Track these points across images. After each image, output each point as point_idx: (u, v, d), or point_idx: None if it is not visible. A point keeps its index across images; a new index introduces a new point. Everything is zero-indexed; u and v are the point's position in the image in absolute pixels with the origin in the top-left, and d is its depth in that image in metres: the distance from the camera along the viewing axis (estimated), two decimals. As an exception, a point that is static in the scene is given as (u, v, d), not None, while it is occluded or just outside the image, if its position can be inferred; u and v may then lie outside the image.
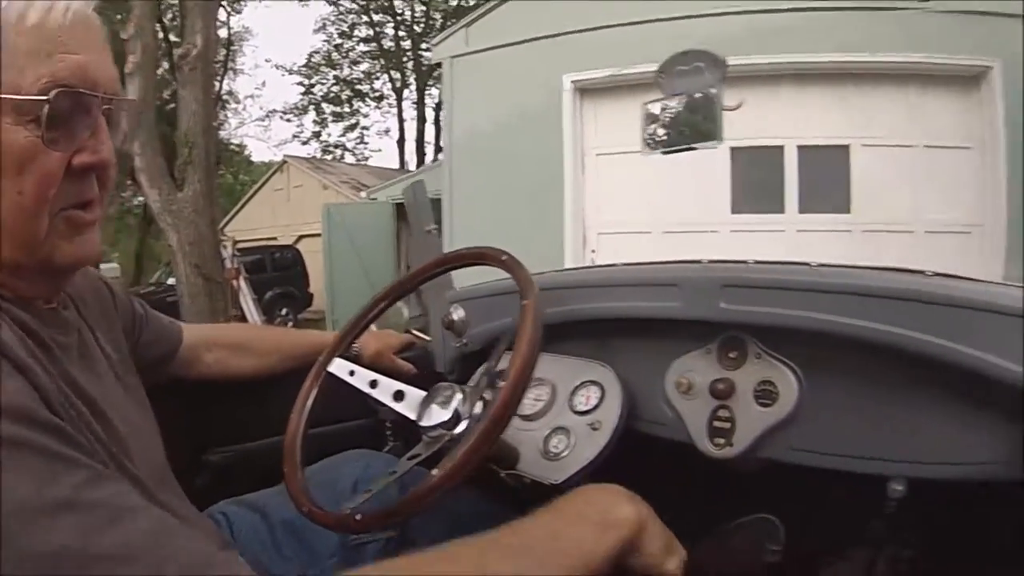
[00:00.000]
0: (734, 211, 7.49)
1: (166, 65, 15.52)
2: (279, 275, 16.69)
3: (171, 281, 8.80)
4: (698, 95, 1.36)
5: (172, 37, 16.83)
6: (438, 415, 1.15)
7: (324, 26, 30.21)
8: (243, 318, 10.47)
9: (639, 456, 1.34)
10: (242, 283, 11.02)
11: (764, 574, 1.14)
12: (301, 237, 20.37)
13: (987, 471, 1.09)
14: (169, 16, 17.53)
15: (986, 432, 1.08)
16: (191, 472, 1.42)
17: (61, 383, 0.80)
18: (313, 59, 30.48)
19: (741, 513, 1.18)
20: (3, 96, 0.80)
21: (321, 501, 1.15)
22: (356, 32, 30.24)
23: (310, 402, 1.32)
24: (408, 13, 29.49)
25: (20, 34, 0.81)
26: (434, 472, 0.97)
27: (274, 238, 20.95)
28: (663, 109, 1.41)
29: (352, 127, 31.88)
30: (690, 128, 1.39)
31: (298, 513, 1.17)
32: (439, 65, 9.54)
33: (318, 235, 15.68)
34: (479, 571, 0.79)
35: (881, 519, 1.15)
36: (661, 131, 1.42)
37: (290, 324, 14.98)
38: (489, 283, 1.62)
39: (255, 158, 34.77)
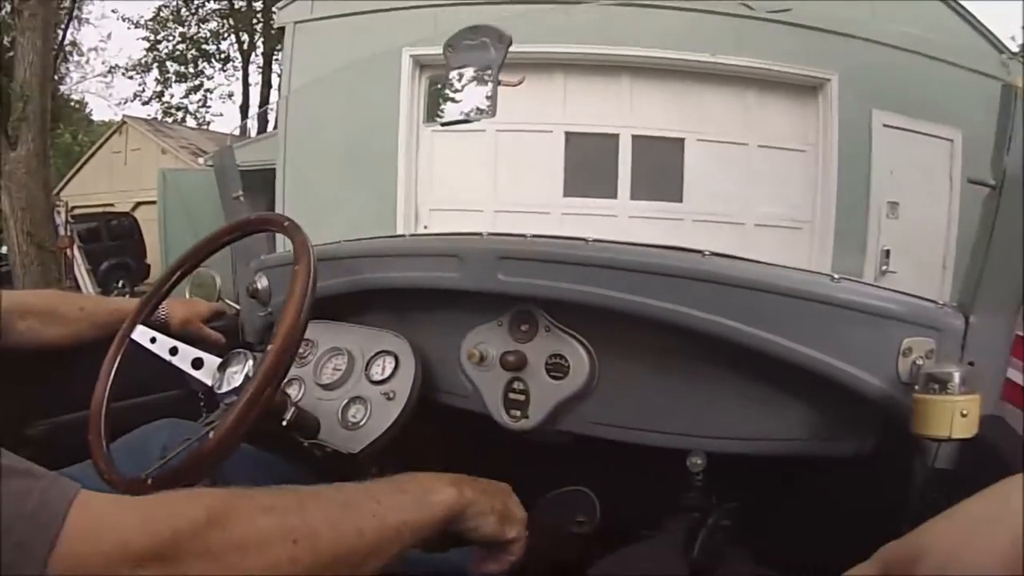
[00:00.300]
0: (567, 194, 7.61)
1: (7, 8, 14.40)
2: (115, 244, 15.86)
3: (3, 250, 8.24)
4: (481, 70, 1.38)
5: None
6: (232, 381, 1.16)
7: (176, -23, 28.55)
8: (78, 290, 9.93)
9: (448, 427, 1.39)
10: (76, 252, 10.44)
11: (573, 546, 1.19)
12: (139, 204, 19.38)
13: (783, 447, 1.16)
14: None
15: (779, 410, 1.15)
16: (12, 447, 1.38)
17: None
18: (161, 13, 28.87)
19: (555, 485, 1.22)
20: None
21: (128, 469, 1.14)
22: (208, -12, 28.83)
23: (114, 370, 1.31)
24: (264, -28, 28.33)
25: None
26: (210, 435, 0.99)
27: (111, 204, 19.85)
28: (448, 83, 1.43)
29: (196, 88, 30.32)
30: (467, 101, 1.41)
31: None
32: (276, 30, 9.26)
33: (156, 202, 15.02)
34: (297, 509, 0.80)
35: (694, 490, 1.20)
36: (443, 104, 1.44)
37: (127, 296, 14.32)
38: (288, 252, 1.63)
39: (96, 116, 32.69)
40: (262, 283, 1.51)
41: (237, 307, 1.78)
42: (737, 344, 1.10)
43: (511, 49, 1.33)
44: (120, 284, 15.19)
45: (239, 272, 1.76)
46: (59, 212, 9.82)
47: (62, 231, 9.83)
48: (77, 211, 12.97)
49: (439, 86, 1.43)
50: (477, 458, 1.06)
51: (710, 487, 1.21)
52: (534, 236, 1.38)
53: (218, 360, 1.22)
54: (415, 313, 1.49)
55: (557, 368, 1.29)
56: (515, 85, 1.38)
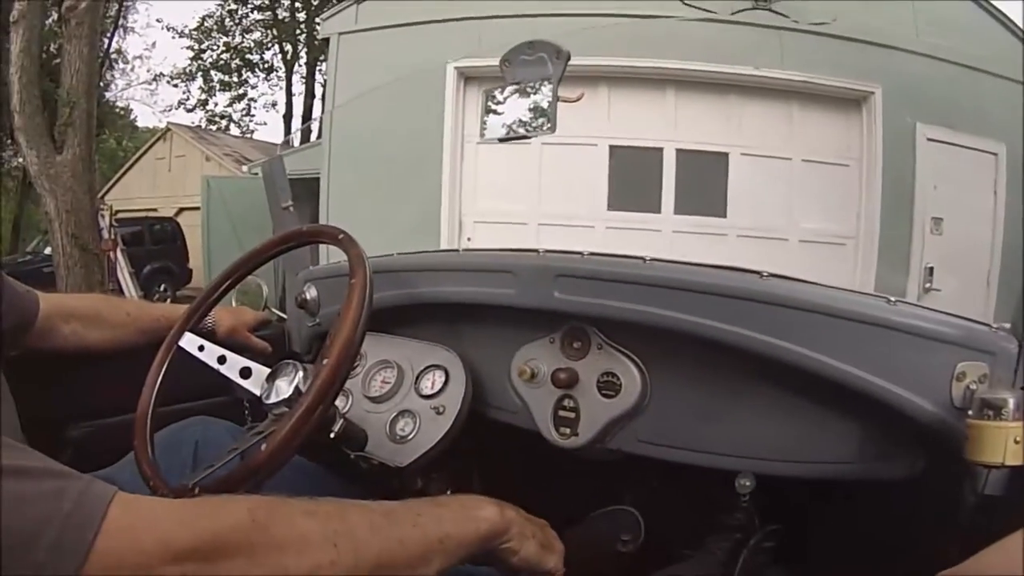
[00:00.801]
0: (611, 208, 7.58)
1: (55, 16, 14.74)
2: (158, 249, 16.06)
3: (48, 251, 8.38)
4: (537, 85, 1.38)
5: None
6: (281, 392, 1.15)
7: (221, -12, 29.00)
8: (120, 293, 10.07)
9: (492, 443, 1.37)
10: (119, 255, 10.57)
11: (618, 564, 1.18)
12: (182, 210, 19.59)
13: (833, 470, 1.14)
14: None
15: (831, 432, 1.13)
16: (53, 448, 1.39)
17: None
18: (206, 23, 29.34)
19: (598, 503, 1.21)
20: None
21: (162, 469, 1.14)
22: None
23: (161, 376, 1.31)
24: (306, -16, 28.67)
25: None
26: (263, 447, 0.98)
27: (154, 209, 20.13)
28: (504, 97, 1.42)
29: (239, 98, 30.76)
30: (526, 117, 1.41)
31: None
32: (321, 41, 9.34)
33: (199, 208, 15.18)
34: (339, 515, 0.81)
35: (739, 510, 1.19)
36: (499, 119, 1.44)
37: (168, 300, 14.50)
38: (342, 262, 1.63)
39: (140, 123, 33.19)
40: (311, 294, 1.51)
41: (283, 316, 1.78)
42: (791, 365, 1.08)
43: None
44: (162, 288, 15.37)
45: (287, 282, 1.76)
46: (103, 216, 9.93)
47: (106, 234, 9.95)
48: (120, 215, 13.13)
49: (495, 100, 1.42)
50: (520, 474, 1.04)
51: (754, 508, 1.19)
52: (591, 254, 1.37)
53: (266, 370, 1.22)
54: (465, 327, 1.48)
55: (609, 386, 1.27)
56: (574, 101, 1.37)
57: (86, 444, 1.52)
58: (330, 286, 1.57)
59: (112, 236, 10.32)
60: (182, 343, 1.35)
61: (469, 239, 7.75)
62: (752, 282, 1.16)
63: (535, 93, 1.37)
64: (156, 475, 1.13)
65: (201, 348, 1.33)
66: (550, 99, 1.35)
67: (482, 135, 1.46)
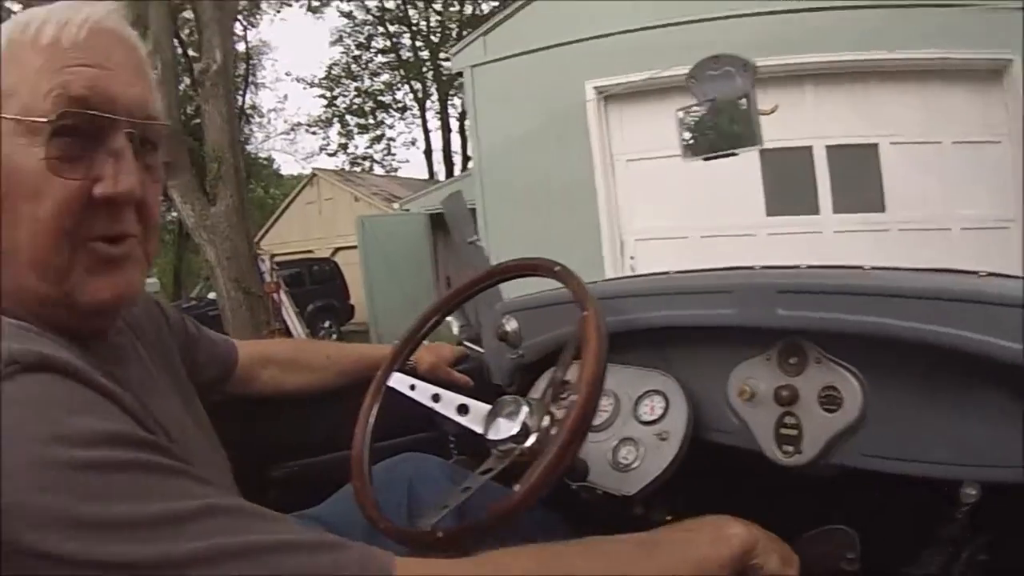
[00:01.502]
0: (769, 213, 7.43)
1: (187, 80, 15.72)
2: (318, 288, 16.78)
3: (212, 296, 8.90)
4: (731, 99, 1.36)
5: (191, 52, 16.96)
6: (506, 428, 1.14)
7: (340, 38, 30.46)
8: (287, 332, 10.54)
9: (704, 466, 1.33)
10: (283, 297, 11.08)
11: None
12: (337, 249, 20.48)
13: None
14: (187, 32, 17.62)
15: None
16: (259, 490, 1.43)
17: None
18: (333, 71, 30.73)
19: (811, 523, 1.16)
20: (16, 117, 0.78)
21: (385, 512, 1.16)
22: (373, 43, 30.49)
23: (372, 417, 1.33)
24: (423, 23, 29.60)
25: (37, 52, 0.79)
26: (516, 488, 0.97)
27: (310, 251, 21.08)
28: (697, 115, 1.41)
29: (378, 138, 32.06)
30: (727, 133, 1.38)
31: (360, 522, 1.17)
32: (459, 74, 9.52)
33: (354, 247, 15.73)
34: (606, 555, 0.81)
35: (954, 523, 1.13)
36: (698, 137, 1.42)
37: (334, 337, 15.08)
38: (540, 293, 1.62)
39: (284, 171, 35.16)
40: (511, 326, 1.51)
41: (479, 349, 1.79)
42: (1015, 366, 1.02)
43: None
44: (327, 324, 16.04)
45: (482, 315, 1.76)
46: (263, 260, 10.45)
47: (267, 277, 10.47)
48: (278, 259, 13.79)
49: (688, 118, 1.40)
50: (730, 496, 1.01)
51: (970, 519, 1.12)
52: (808, 267, 1.33)
53: (485, 407, 1.21)
54: (676, 351, 1.45)
55: (830, 400, 1.22)
56: (769, 113, 1.33)
57: (290, 484, 1.56)
58: (530, 318, 1.57)
59: (274, 279, 10.84)
60: (392, 383, 1.37)
61: (632, 258, 7.72)
62: (971, 283, 1.13)
63: (731, 108, 1.34)
64: (383, 518, 1.14)
65: (412, 387, 1.35)
66: (748, 113, 1.31)
67: (685, 154, 1.44)
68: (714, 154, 1.41)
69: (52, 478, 0.60)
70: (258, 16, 26.20)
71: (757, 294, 1.28)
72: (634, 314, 1.43)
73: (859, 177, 7.15)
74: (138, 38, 0.89)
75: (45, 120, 0.77)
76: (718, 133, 1.39)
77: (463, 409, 1.25)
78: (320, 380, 1.58)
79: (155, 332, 1.14)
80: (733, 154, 1.38)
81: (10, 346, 0.67)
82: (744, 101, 1.33)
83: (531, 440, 1.12)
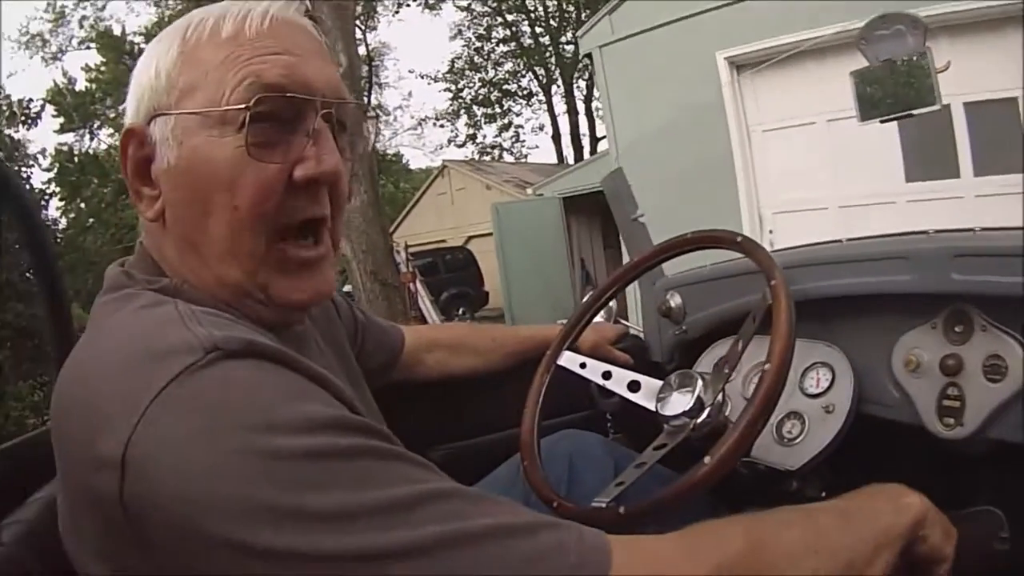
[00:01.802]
0: (909, 179, 7.02)
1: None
2: (453, 276, 17.14)
3: (347, 288, 9.16)
4: (903, 59, 1.32)
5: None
6: (679, 403, 1.13)
7: (460, 32, 30.66)
8: (423, 320, 10.77)
9: (856, 442, 1.31)
10: (419, 286, 11.34)
11: (994, 563, 1.10)
12: (470, 238, 20.86)
13: None
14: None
15: None
16: None
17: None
18: (456, 65, 31.04)
19: (958, 502, 1.12)
20: (202, 111, 0.78)
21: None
22: (493, 34, 30.57)
23: (542, 396, 1.35)
24: (541, 9, 29.50)
25: (217, 47, 0.80)
26: (706, 460, 0.96)
27: (443, 241, 21.48)
28: (871, 76, 1.37)
29: (506, 127, 32.25)
30: (903, 93, 1.34)
31: (519, 500, 1.16)
32: (584, 57, 9.44)
33: (487, 235, 15.89)
34: (809, 521, 0.80)
35: None
36: (873, 99, 1.38)
37: (470, 322, 15.34)
38: (702, 268, 1.61)
39: (413, 166, 35.96)
40: (675, 301, 1.51)
41: (630, 325, 1.79)
42: None
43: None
44: (460, 311, 16.32)
45: (643, 292, 1.76)
46: (398, 252, 10.71)
47: (403, 268, 10.73)
48: (413, 249, 14.09)
49: (863, 82, 1.37)
50: (881, 473, 0.98)
51: None
52: (983, 229, 1.28)
53: (657, 383, 1.21)
54: (839, 320, 1.42)
55: (995, 370, 1.17)
56: (943, 70, 1.28)
57: (448, 466, 1.57)
58: (694, 293, 1.56)
59: (410, 269, 11.10)
60: (562, 362, 1.38)
61: (771, 232, 7.53)
62: None
63: (907, 68, 1.30)
64: (557, 496, 1.15)
65: (583, 365, 1.36)
66: (924, 71, 1.27)
67: (861, 119, 1.40)
68: (891, 116, 1.37)
69: (264, 468, 0.59)
70: (376, 19, 26.83)
71: (933, 259, 1.24)
72: (808, 284, 1.41)
73: (999, 136, 6.68)
74: (315, 27, 0.89)
75: (243, 107, 0.77)
76: (894, 94, 1.34)
77: (634, 386, 1.25)
78: (486, 363, 1.60)
79: (326, 320, 1.16)
80: (910, 115, 1.34)
81: (211, 332, 0.67)
82: (917, 59, 1.28)
83: (704, 415, 1.12)
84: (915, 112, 1.33)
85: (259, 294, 0.82)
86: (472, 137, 32.19)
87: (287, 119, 0.80)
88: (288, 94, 0.79)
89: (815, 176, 7.28)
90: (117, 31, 24.61)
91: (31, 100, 20.27)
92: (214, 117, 0.78)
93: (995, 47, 6.54)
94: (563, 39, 28.55)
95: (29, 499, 0.84)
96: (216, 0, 0.84)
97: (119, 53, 23.79)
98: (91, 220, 21.06)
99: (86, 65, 26.32)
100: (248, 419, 0.61)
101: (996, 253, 1.18)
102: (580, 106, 30.05)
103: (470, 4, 29.32)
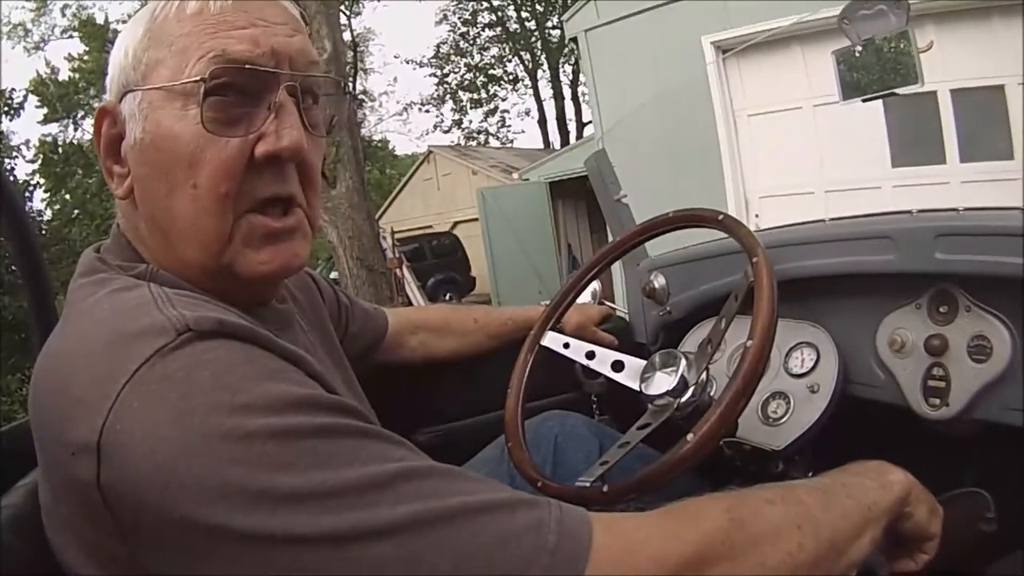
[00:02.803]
0: (895, 164, 7.02)
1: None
2: (439, 261, 17.12)
3: (333, 275, 9.14)
4: (886, 39, 1.32)
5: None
6: (663, 383, 1.13)
7: (445, 16, 30.45)
8: (410, 305, 10.76)
9: (842, 422, 1.31)
10: (405, 271, 11.34)
11: (981, 544, 1.10)
12: (457, 223, 20.79)
13: None
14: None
15: None
16: None
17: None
18: (442, 50, 30.93)
19: (945, 482, 1.13)
20: (165, 85, 0.77)
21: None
22: (479, 18, 30.43)
23: (526, 376, 1.34)
24: (527, -7, 29.44)
25: (182, 22, 0.78)
26: (688, 438, 0.95)
27: (429, 226, 21.43)
28: (853, 56, 1.37)
29: (492, 112, 32.20)
30: (886, 73, 1.34)
31: (504, 482, 1.19)
32: (570, 41, 9.40)
33: (473, 220, 15.90)
34: (792, 498, 0.79)
35: None
36: (856, 79, 1.38)
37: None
38: (687, 248, 1.61)
39: (398, 151, 35.86)
40: (659, 282, 1.50)
41: (621, 309, 1.79)
42: None
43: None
44: (447, 297, 16.23)
45: (627, 273, 1.76)
46: (384, 238, 10.69)
47: (389, 254, 10.72)
48: (399, 235, 14.07)
49: (845, 61, 1.37)
50: (868, 453, 0.98)
51: None
52: (966, 209, 1.30)
53: (640, 362, 1.20)
54: (822, 300, 1.42)
55: (979, 350, 1.18)
56: (926, 50, 1.28)
57: (433, 449, 1.56)
58: (677, 273, 1.56)
59: (396, 255, 11.09)
60: (545, 342, 1.38)
61: (757, 216, 7.54)
62: None
63: (889, 48, 1.30)
64: (541, 476, 1.15)
65: (566, 345, 1.35)
66: (907, 51, 1.27)
67: (843, 98, 1.40)
68: (873, 95, 1.37)
69: (235, 449, 0.59)
70: (360, 4, 26.70)
71: (916, 238, 1.25)
72: (791, 263, 1.41)
73: (986, 122, 6.71)
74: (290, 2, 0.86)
75: (199, 79, 0.75)
76: (876, 73, 1.34)
77: (618, 365, 1.24)
78: (469, 344, 1.60)
79: (309, 302, 1.16)
80: (894, 94, 1.34)
81: (183, 313, 0.66)
82: (900, 38, 1.28)
83: (688, 394, 1.12)
84: (897, 91, 1.33)
85: (225, 273, 0.81)
86: (458, 122, 32.18)
87: (249, 92, 0.78)
88: (248, 66, 0.77)
89: (801, 161, 7.29)
90: (100, 19, 24.47)
91: (13, 90, 20.06)
92: (176, 91, 0.77)
93: (982, 35, 6.56)
94: (549, 23, 28.47)
95: (16, 485, 0.84)
96: None
97: (102, 42, 23.52)
98: (76, 211, 21.00)
99: (69, 54, 26.18)
100: (219, 400, 0.61)
101: (980, 232, 1.18)
102: (566, 91, 30.06)
103: (455, -11, 29.20)
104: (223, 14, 0.78)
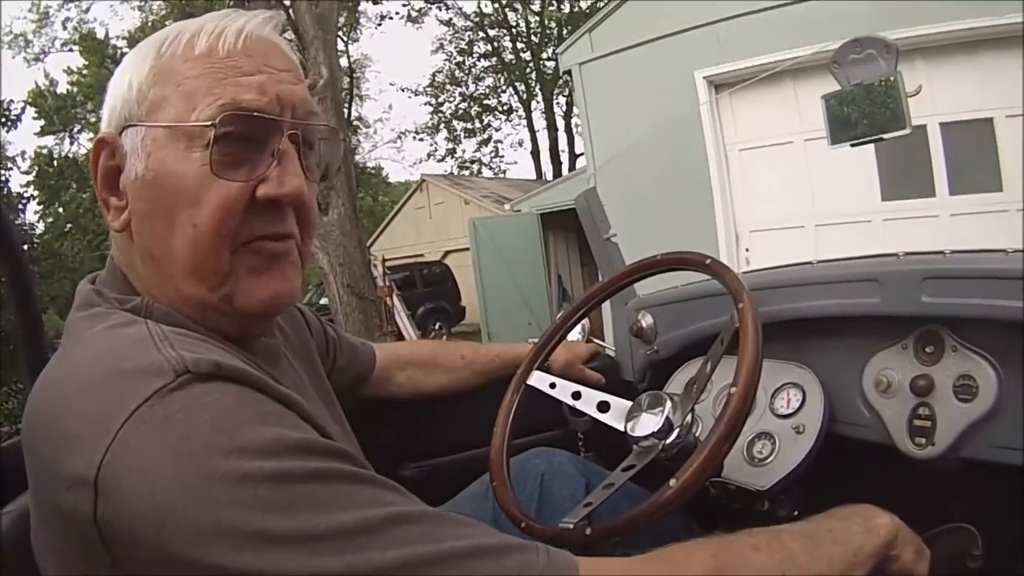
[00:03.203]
0: (885, 198, 7.07)
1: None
2: (430, 290, 17.10)
3: (323, 301, 9.10)
4: (875, 83, 1.33)
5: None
6: (649, 424, 1.13)
7: (442, 46, 30.49)
8: (399, 335, 10.73)
9: (828, 462, 1.32)
10: (395, 300, 11.31)
11: None
12: (448, 252, 20.79)
13: None
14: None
15: None
16: None
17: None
18: (437, 79, 31.00)
19: (932, 519, 1.13)
20: (171, 124, 0.79)
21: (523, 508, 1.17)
22: (475, 48, 30.53)
23: (512, 415, 1.34)
24: (523, 24, 29.59)
25: (190, 62, 0.80)
26: (671, 482, 0.96)
27: (420, 255, 21.41)
28: (843, 100, 1.38)
29: (485, 142, 32.22)
30: (874, 117, 1.35)
31: (489, 520, 1.18)
32: (564, 74, 9.46)
33: (464, 250, 15.86)
34: (777, 544, 0.80)
35: None
36: (844, 123, 1.39)
37: (444, 338, 15.29)
38: (675, 289, 1.61)
39: (392, 179, 35.91)
40: (646, 321, 1.51)
41: (604, 344, 1.79)
42: None
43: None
44: (437, 326, 16.18)
45: (614, 312, 1.76)
46: (375, 265, 10.69)
47: (380, 282, 10.70)
48: (390, 263, 14.08)
49: (836, 105, 1.38)
50: (855, 492, 0.99)
51: None
52: (952, 252, 1.30)
53: (626, 403, 1.20)
54: (809, 341, 1.43)
55: (965, 390, 1.19)
56: (913, 95, 1.30)
57: (419, 484, 1.57)
58: (665, 312, 1.56)
59: (387, 283, 11.06)
60: (531, 381, 1.38)
61: (747, 250, 7.57)
62: None
63: (878, 92, 1.32)
64: (526, 516, 1.15)
65: (552, 385, 1.35)
66: (895, 96, 1.29)
67: (832, 143, 1.41)
68: (861, 140, 1.38)
69: (230, 491, 0.60)
70: (358, 30, 26.81)
71: (902, 281, 1.26)
72: (778, 305, 1.41)
73: (975, 155, 6.75)
74: (289, 45, 0.89)
75: (209, 124, 0.77)
76: (865, 118, 1.36)
77: (604, 406, 1.25)
78: (456, 380, 1.60)
79: (297, 335, 1.16)
80: (881, 139, 1.35)
81: (181, 354, 0.68)
82: (888, 83, 1.30)
83: (673, 435, 1.12)
84: (885, 136, 1.34)
85: (223, 306, 0.82)
86: (451, 151, 32.18)
87: (253, 138, 0.80)
88: (255, 114, 0.79)
89: (792, 195, 7.32)
90: (100, 34, 24.50)
91: (12, 101, 20.10)
92: (182, 132, 0.79)
93: (970, 69, 6.62)
94: (544, 55, 28.64)
95: (4, 511, 0.83)
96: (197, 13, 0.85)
97: (101, 56, 23.64)
98: (69, 225, 20.94)
99: (68, 68, 26.21)
100: (216, 442, 0.62)
101: (965, 275, 1.19)
102: (560, 122, 30.18)
103: (452, 18, 29.39)
104: (231, 58, 0.80)
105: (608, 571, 0.72)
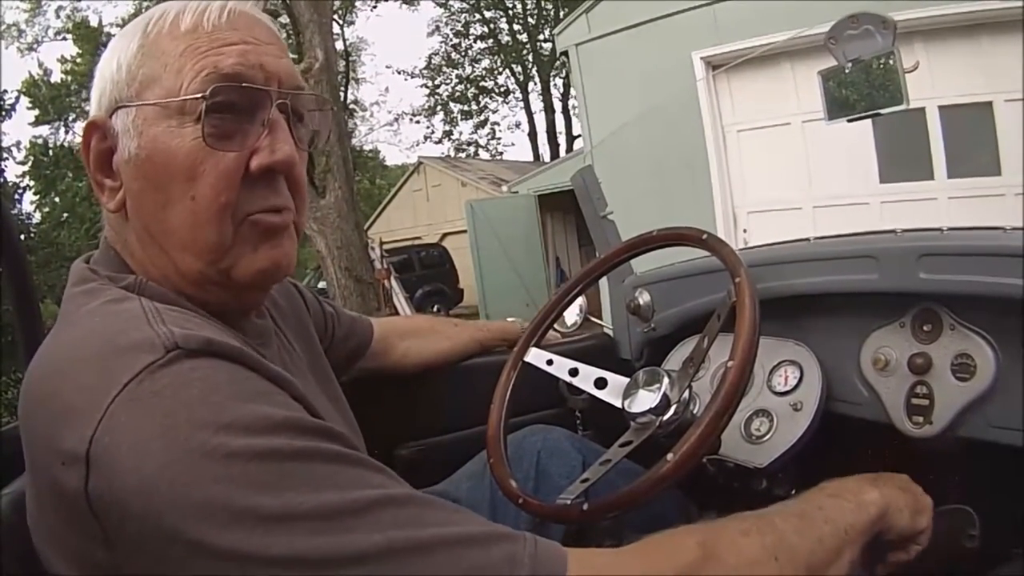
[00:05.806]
0: (883, 180, 7.07)
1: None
2: (427, 273, 17.13)
3: (321, 285, 9.09)
4: (872, 59, 1.32)
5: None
6: (645, 401, 1.13)
7: (438, 28, 30.60)
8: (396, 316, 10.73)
9: (826, 440, 1.32)
10: (393, 282, 11.31)
11: (965, 560, 1.10)
12: (445, 235, 20.81)
13: None
14: (284, 35, 18.17)
15: None
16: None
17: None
18: (433, 61, 30.99)
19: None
20: (161, 101, 0.80)
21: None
22: (471, 30, 30.56)
23: (509, 393, 1.34)
24: (519, 6, 29.51)
25: (176, 39, 0.81)
26: (668, 457, 0.96)
27: (418, 237, 21.41)
28: (839, 76, 1.38)
29: (482, 124, 32.21)
30: (871, 93, 1.35)
31: (486, 498, 1.21)
32: (561, 55, 9.42)
33: (462, 232, 15.87)
34: (768, 527, 0.80)
35: None
36: (841, 99, 1.39)
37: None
38: (672, 266, 1.61)
39: (389, 162, 35.78)
40: (644, 299, 1.51)
41: (601, 322, 1.78)
42: None
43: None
44: (436, 308, 16.20)
45: (612, 290, 1.76)
46: (373, 248, 10.68)
47: (378, 264, 10.69)
48: (387, 246, 14.06)
49: (832, 81, 1.38)
50: (852, 471, 0.99)
51: None
52: (950, 229, 1.29)
53: (624, 380, 1.21)
54: (807, 319, 1.43)
55: (963, 368, 1.19)
56: (912, 70, 1.29)
57: (416, 463, 1.58)
58: (663, 290, 1.56)
59: (384, 266, 11.05)
60: (529, 358, 1.37)
61: (745, 231, 7.56)
62: None
63: (875, 68, 1.32)
64: (522, 493, 1.15)
65: (550, 362, 1.35)
66: (892, 72, 1.28)
67: (829, 118, 1.41)
68: (858, 115, 1.38)
69: (217, 467, 0.60)
70: (353, 13, 26.71)
71: (899, 258, 1.25)
72: (776, 282, 1.41)
73: (973, 138, 6.74)
74: (273, 22, 0.90)
75: (200, 96, 0.78)
76: (861, 94, 1.35)
77: (601, 383, 1.25)
78: (457, 345, 1.61)
79: (292, 311, 1.17)
80: (878, 114, 1.35)
81: (172, 330, 0.68)
82: (886, 59, 1.29)
83: (671, 412, 1.12)
84: (882, 112, 1.33)
85: (221, 279, 0.83)
86: (448, 134, 32.19)
87: (243, 109, 0.81)
88: (244, 84, 0.80)
89: (790, 177, 7.33)
90: (94, 22, 24.34)
91: (5, 91, 19.94)
92: (173, 108, 0.80)
93: (969, 52, 6.60)
94: (540, 37, 28.58)
95: (2, 492, 0.83)
96: None
97: (95, 44, 23.41)
98: (65, 215, 20.85)
99: (62, 56, 26.06)
100: (204, 418, 0.62)
101: (963, 252, 1.19)
102: (557, 104, 30.15)
103: (448, 1, 29.29)
104: (216, 31, 0.81)
105: (597, 561, 0.71)
